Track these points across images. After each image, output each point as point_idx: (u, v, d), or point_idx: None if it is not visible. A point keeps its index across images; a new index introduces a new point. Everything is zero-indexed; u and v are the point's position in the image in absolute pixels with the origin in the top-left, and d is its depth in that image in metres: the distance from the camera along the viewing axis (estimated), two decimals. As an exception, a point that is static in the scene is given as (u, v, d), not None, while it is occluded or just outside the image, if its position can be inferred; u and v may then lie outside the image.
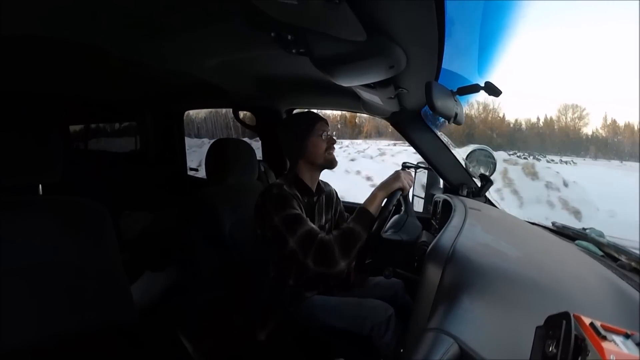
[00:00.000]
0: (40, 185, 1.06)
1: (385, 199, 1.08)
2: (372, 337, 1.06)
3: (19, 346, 0.83)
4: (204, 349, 1.31)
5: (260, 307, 1.18)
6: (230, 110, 2.22)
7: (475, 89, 1.07)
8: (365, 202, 1.08)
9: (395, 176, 1.09)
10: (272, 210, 1.07)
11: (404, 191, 1.10)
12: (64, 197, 0.99)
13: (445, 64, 0.99)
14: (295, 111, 2.09)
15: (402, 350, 1.10)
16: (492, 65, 1.17)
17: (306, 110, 1.31)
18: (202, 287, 1.42)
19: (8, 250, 0.84)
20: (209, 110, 3.15)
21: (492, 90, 1.05)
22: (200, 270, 1.41)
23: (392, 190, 1.07)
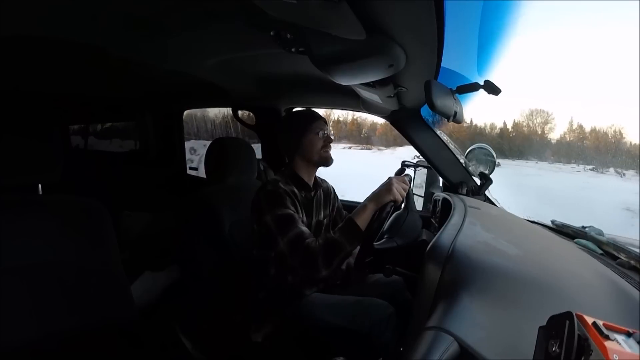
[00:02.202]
0: (40, 185, 1.06)
1: (377, 211, 1.04)
2: (371, 335, 1.06)
3: (19, 345, 0.83)
4: (203, 349, 1.31)
5: (259, 306, 1.18)
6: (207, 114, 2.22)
7: (474, 87, 1.07)
8: (354, 213, 1.05)
9: (387, 187, 1.04)
10: (265, 208, 1.08)
11: (396, 203, 1.06)
12: (64, 196, 0.99)
13: (444, 63, 0.99)
14: (294, 109, 2.10)
15: (401, 349, 1.11)
16: (491, 64, 1.17)
17: (306, 108, 1.31)
18: (202, 286, 1.42)
19: (8, 249, 0.84)
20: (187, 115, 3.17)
21: (492, 88, 1.05)
22: (200, 270, 1.41)
23: (384, 203, 1.04)
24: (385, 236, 1.11)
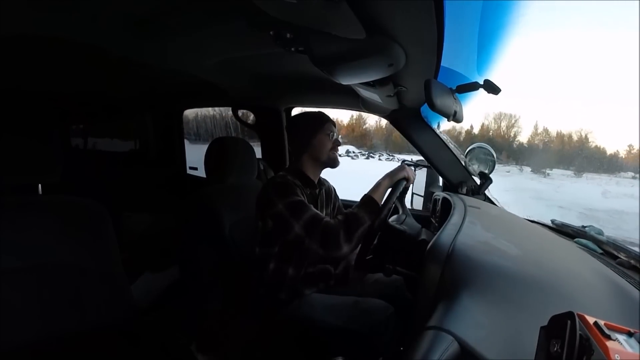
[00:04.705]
0: (40, 185, 1.06)
1: (390, 188, 1.11)
2: (371, 335, 1.06)
3: (19, 346, 0.83)
4: (203, 349, 1.31)
5: (259, 306, 1.18)
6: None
7: (474, 86, 1.07)
8: (370, 191, 1.11)
9: (401, 167, 1.13)
10: (275, 198, 1.09)
11: (408, 181, 1.13)
12: (64, 197, 0.98)
13: (444, 62, 0.99)
14: (299, 109, 2.10)
15: (402, 349, 1.11)
16: (491, 64, 1.17)
17: (317, 109, 1.33)
18: (202, 286, 1.42)
19: (8, 250, 0.84)
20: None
21: (492, 88, 1.05)
22: (200, 270, 1.41)
23: (397, 180, 1.11)
24: (400, 211, 1.15)
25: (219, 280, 1.36)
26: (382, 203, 1.07)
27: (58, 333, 0.89)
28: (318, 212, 1.08)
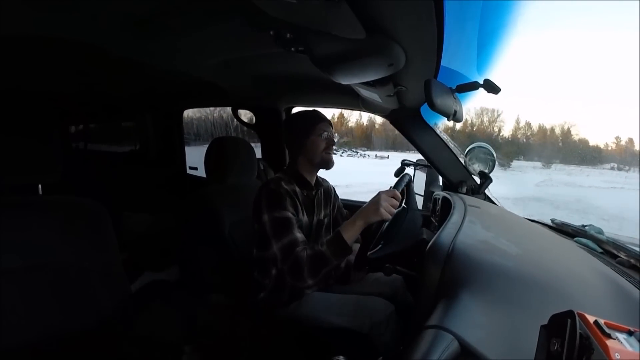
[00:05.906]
0: (40, 185, 1.06)
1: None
2: (371, 334, 1.06)
3: (19, 346, 0.83)
4: (203, 349, 1.31)
5: (259, 306, 1.18)
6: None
7: (474, 86, 1.07)
8: (343, 226, 1.05)
9: (375, 207, 1.01)
10: (264, 207, 1.09)
11: (385, 221, 1.06)
12: (64, 197, 0.98)
13: (444, 62, 0.99)
14: (299, 109, 2.09)
15: (402, 348, 1.10)
16: (491, 63, 1.17)
17: (312, 109, 1.30)
18: (202, 286, 1.42)
19: (8, 249, 0.84)
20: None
21: (491, 87, 1.05)
22: (200, 270, 1.41)
23: (372, 222, 1.03)
24: (381, 242, 1.10)
25: (219, 280, 1.36)
26: (352, 242, 1.03)
27: (58, 333, 0.89)
28: (298, 236, 1.07)
